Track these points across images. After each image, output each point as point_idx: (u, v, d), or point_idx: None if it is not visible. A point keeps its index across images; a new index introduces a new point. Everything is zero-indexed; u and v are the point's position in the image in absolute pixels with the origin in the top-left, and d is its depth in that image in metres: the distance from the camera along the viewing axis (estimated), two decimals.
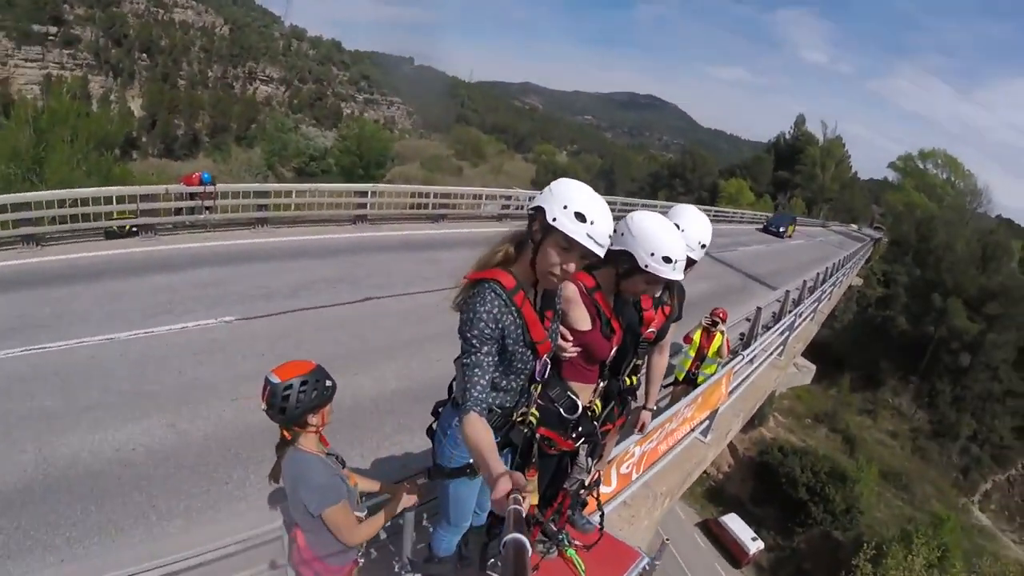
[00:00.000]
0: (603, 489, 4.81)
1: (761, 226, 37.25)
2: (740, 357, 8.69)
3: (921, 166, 63.30)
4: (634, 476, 5.78)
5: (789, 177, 65.20)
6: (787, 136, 68.90)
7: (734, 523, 29.52)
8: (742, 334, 11.42)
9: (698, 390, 6.78)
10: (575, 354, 2.42)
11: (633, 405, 3.12)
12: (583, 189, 2.06)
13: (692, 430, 7.48)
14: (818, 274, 19.38)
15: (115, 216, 10.04)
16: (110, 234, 10.04)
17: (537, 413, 2.34)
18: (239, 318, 7.86)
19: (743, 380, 9.55)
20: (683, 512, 28.97)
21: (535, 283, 2.15)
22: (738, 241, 27.44)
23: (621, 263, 2.53)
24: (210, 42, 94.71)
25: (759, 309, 11.11)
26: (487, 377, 2.05)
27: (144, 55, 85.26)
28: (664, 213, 2.86)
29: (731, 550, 28.71)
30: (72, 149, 13.97)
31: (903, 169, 65.58)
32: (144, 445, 5.27)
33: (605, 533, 3.21)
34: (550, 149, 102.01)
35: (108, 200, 9.90)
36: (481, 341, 2.04)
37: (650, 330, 2.89)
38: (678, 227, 2.69)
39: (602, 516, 3.05)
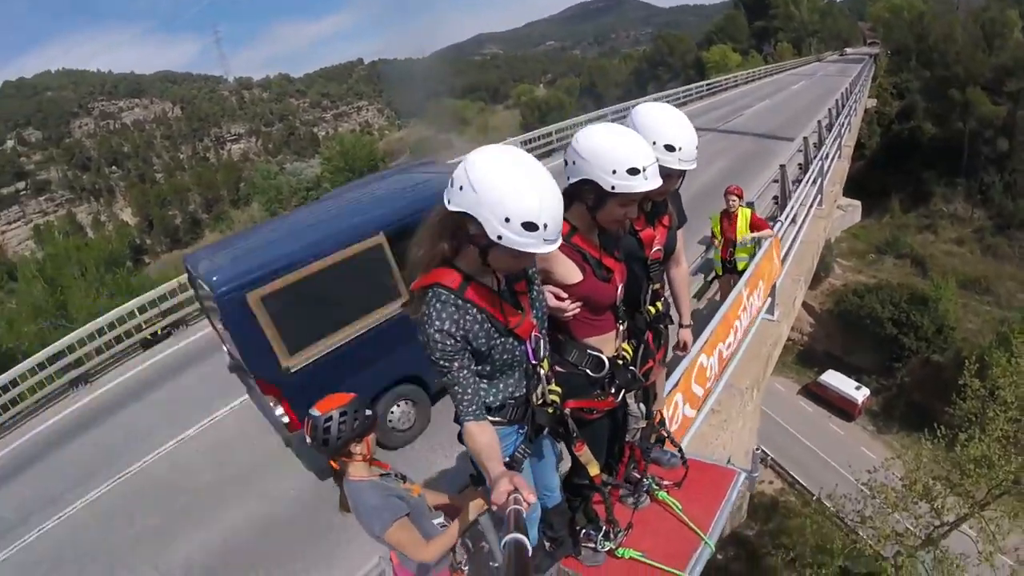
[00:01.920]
0: (687, 411, 4.68)
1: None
2: (779, 222, 8.34)
3: None
4: (709, 384, 5.58)
5: (766, 25, 63.17)
6: None
7: (834, 379, 29.40)
8: (775, 197, 10.98)
9: (746, 274, 6.46)
10: (577, 310, 2.19)
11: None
12: (516, 179, 1.69)
13: (757, 313, 7.22)
14: (830, 110, 18.52)
15: (144, 325, 10.17)
16: (147, 344, 10.21)
17: (559, 388, 2.15)
18: None
19: (791, 244, 9.18)
20: (781, 385, 28.88)
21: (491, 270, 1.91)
22: (739, 106, 26.49)
23: (586, 195, 2.17)
24: (168, 128, 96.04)
25: (783, 167, 10.63)
26: (471, 388, 1.92)
27: (114, 167, 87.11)
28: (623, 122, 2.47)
29: (839, 406, 28.69)
30: (86, 281, 14.26)
31: None
32: (247, 526, 5.40)
33: (692, 461, 3.08)
34: (526, 88, 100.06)
35: (132, 315, 10.04)
36: (448, 360, 1.87)
37: (655, 249, 2.62)
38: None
39: (680, 449, 2.88)
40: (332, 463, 2.42)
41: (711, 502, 3.12)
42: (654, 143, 2.29)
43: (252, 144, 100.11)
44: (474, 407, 1.91)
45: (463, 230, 1.80)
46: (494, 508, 1.56)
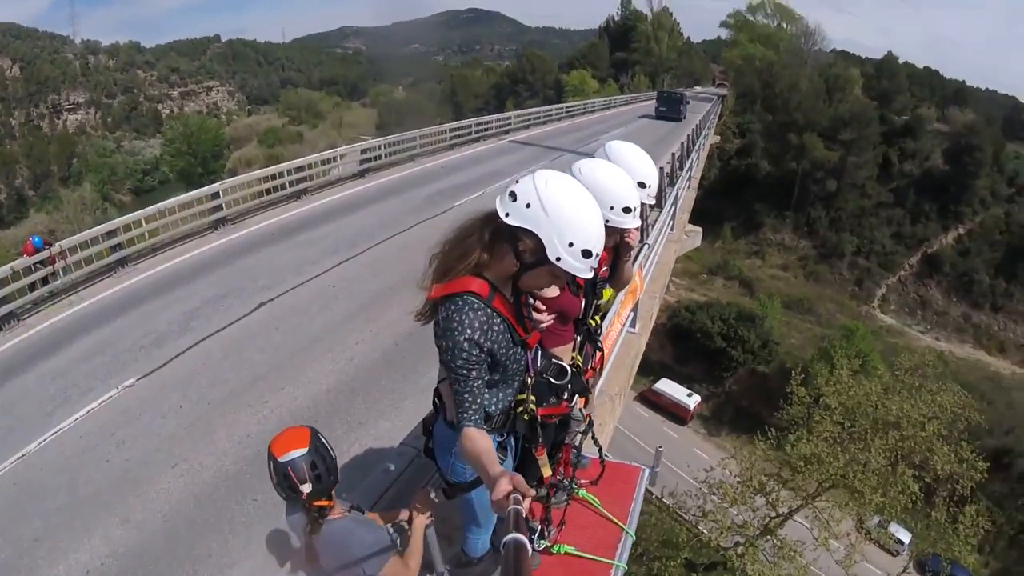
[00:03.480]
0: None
1: (652, 115, 35.22)
2: (645, 246, 9.07)
3: (752, 18, 66.17)
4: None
5: (626, 56, 67.01)
6: (615, 17, 70.78)
7: (668, 387, 32.11)
8: (646, 207, 11.77)
9: (619, 296, 6.95)
10: (551, 321, 2.33)
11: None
12: (585, 208, 1.83)
13: (622, 327, 7.80)
14: (682, 143, 20.22)
15: None
16: None
17: (534, 397, 2.27)
18: (140, 377, 7.17)
19: (650, 265, 9.96)
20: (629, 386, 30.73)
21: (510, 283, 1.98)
22: (596, 131, 27.64)
23: None
24: (3, 89, 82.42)
25: None
26: (480, 398, 1.96)
27: None
28: (595, 156, 2.75)
29: (673, 411, 31.43)
30: None
31: (735, 25, 68.11)
32: (110, 555, 4.79)
33: (606, 461, 3.30)
34: (386, 88, 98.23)
35: None
36: (468, 368, 1.90)
37: (603, 269, 2.84)
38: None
39: (600, 449, 3.10)
40: (322, 503, 2.21)
41: (624, 496, 3.45)
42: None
43: (91, 116, 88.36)
44: (477, 416, 1.93)
45: (511, 243, 1.85)
46: (495, 509, 1.59)
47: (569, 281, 2.41)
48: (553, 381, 2.39)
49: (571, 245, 1.79)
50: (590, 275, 1.88)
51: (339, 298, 9.12)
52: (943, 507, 13.22)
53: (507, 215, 1.83)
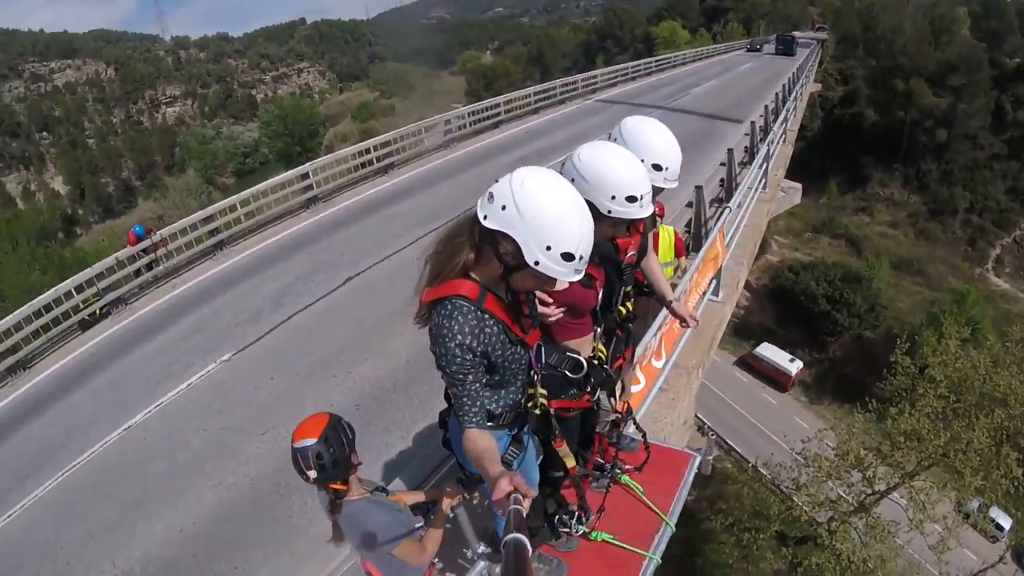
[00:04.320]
0: (634, 389, 4.84)
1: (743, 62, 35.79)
2: (727, 208, 8.58)
3: None
4: (661, 363, 5.79)
5: (718, 3, 63.43)
6: None
7: (768, 351, 30.64)
8: (721, 180, 11.24)
9: (697, 258, 6.65)
10: (561, 315, 2.25)
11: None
12: (563, 208, 1.73)
13: (703, 295, 7.47)
14: (777, 94, 18.97)
15: (82, 306, 9.57)
16: (85, 324, 9.61)
17: (544, 391, 2.22)
18: (235, 352, 7.75)
19: (736, 228, 9.44)
20: (717, 356, 29.80)
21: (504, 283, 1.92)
22: (687, 84, 26.52)
23: None
24: (101, 91, 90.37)
25: (730, 151, 10.87)
26: (480, 400, 1.94)
27: (44, 133, 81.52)
28: (608, 137, 2.56)
29: (773, 377, 29.99)
30: (18, 256, 13.31)
31: None
32: (203, 515, 5.29)
33: (652, 445, 3.21)
34: (473, 55, 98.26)
35: (69, 295, 9.40)
36: (464, 373, 1.88)
37: (630, 254, 2.71)
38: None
39: (644, 435, 3.00)
40: (336, 487, 2.36)
41: (670, 484, 3.30)
42: (642, 160, 2.35)
43: (188, 107, 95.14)
44: (478, 417, 1.93)
45: (492, 246, 1.80)
46: (495, 510, 1.58)
47: None
48: (569, 375, 2.33)
49: (549, 248, 1.69)
50: (577, 277, 1.77)
51: (418, 272, 9.32)
52: None
53: (485, 217, 1.76)
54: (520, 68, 72.92)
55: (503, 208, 1.71)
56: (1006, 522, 19.15)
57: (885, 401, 13.17)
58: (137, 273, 10.36)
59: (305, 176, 13.28)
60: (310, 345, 7.71)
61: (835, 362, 31.28)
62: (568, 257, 1.71)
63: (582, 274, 1.77)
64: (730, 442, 24.45)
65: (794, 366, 29.84)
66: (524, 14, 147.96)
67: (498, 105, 19.16)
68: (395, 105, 74.28)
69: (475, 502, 3.51)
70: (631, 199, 2.21)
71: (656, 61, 32.73)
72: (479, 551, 2.45)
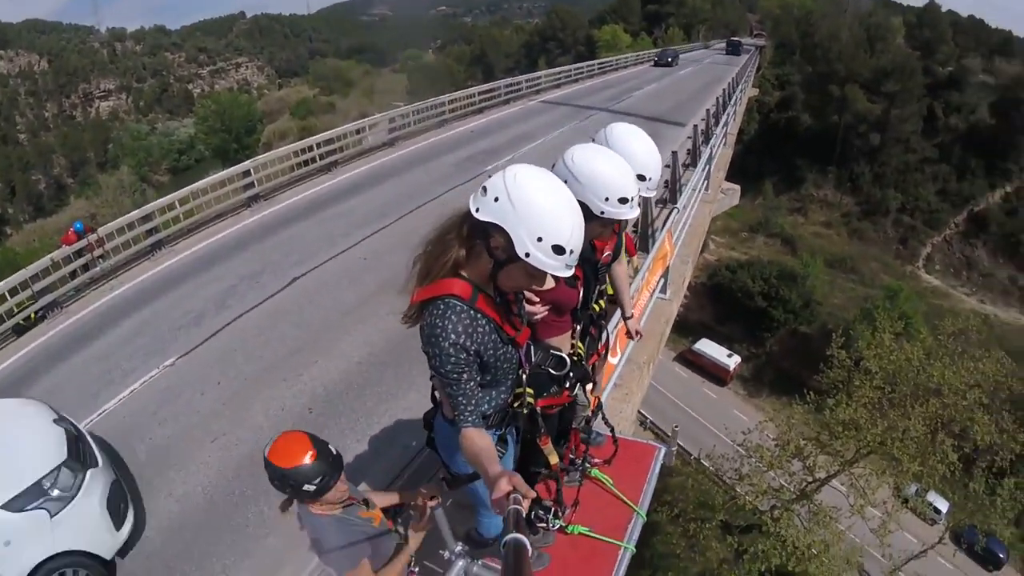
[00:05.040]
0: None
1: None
2: (674, 209, 8.84)
3: None
4: (615, 360, 5.92)
5: (659, 8, 64.89)
6: None
7: (707, 347, 31.71)
8: (666, 181, 11.51)
9: (649, 258, 6.85)
10: (546, 313, 2.28)
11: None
12: (555, 204, 1.74)
13: (652, 293, 7.68)
14: (718, 98, 19.54)
15: (16, 310, 8.98)
16: (20, 330, 9.02)
17: (531, 390, 2.24)
18: (179, 356, 7.43)
19: (681, 228, 9.72)
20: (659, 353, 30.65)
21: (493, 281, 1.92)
22: (629, 87, 27.06)
23: None
24: (34, 83, 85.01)
25: (675, 153, 11.10)
26: (475, 399, 1.93)
27: None
28: (593, 141, 2.62)
29: (713, 372, 31.09)
30: None
31: None
32: (154, 527, 5.04)
33: (620, 439, 3.27)
34: (415, 53, 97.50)
35: (1, 299, 8.77)
36: (458, 372, 1.87)
37: (606, 254, 2.79)
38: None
39: (612, 429, 3.07)
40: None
41: (638, 476, 3.43)
42: None
43: (122, 101, 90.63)
44: (474, 416, 1.91)
45: (483, 240, 1.80)
46: (495, 510, 1.59)
47: None
48: (553, 372, 2.37)
49: (540, 240, 1.71)
50: (567, 273, 1.79)
51: (369, 270, 9.20)
52: (982, 478, 12.87)
53: (477, 210, 1.77)
54: (463, 68, 72.78)
55: (496, 200, 1.73)
56: (943, 505, 20.35)
57: (822, 393, 13.80)
58: (73, 275, 9.81)
59: (247, 173, 12.90)
60: (257, 348, 7.47)
61: (772, 356, 32.62)
62: (559, 250, 1.72)
63: (572, 270, 1.79)
64: (678, 430, 25.02)
65: (732, 361, 31.01)
66: (467, 13, 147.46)
67: (443, 104, 19.10)
68: (335, 103, 72.73)
69: (449, 502, 3.50)
70: (623, 200, 2.28)
71: (599, 64, 33.33)
72: (456, 550, 2.44)
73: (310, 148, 14.56)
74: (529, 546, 1.35)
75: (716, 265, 36.58)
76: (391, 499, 2.75)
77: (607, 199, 2.27)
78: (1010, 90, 42.89)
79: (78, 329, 8.76)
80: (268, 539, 4.67)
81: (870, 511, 12.48)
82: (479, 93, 21.41)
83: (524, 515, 1.50)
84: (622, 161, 2.34)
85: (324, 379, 6.69)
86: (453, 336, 1.83)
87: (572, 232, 1.74)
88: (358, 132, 16.13)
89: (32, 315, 9.13)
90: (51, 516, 4.12)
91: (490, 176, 1.80)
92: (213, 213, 12.35)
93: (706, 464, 16.11)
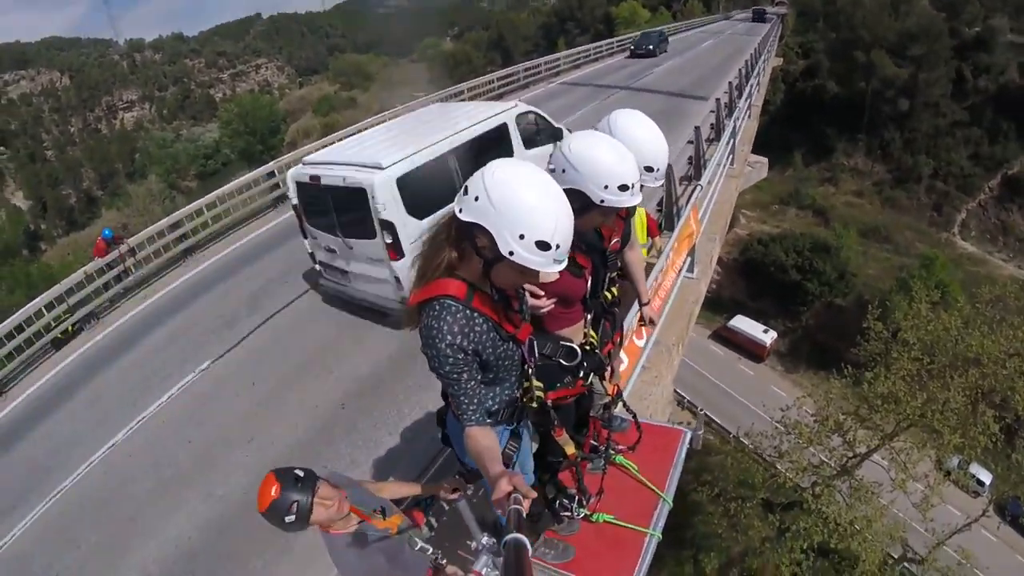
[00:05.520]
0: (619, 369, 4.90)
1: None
2: (697, 186, 8.68)
3: None
4: (642, 342, 5.86)
5: None
6: None
7: (742, 323, 31.18)
8: (690, 158, 11.32)
9: (672, 237, 6.73)
10: (552, 306, 2.27)
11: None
12: (536, 200, 1.70)
13: (679, 272, 7.57)
14: (740, 70, 19.09)
15: (53, 324, 9.30)
16: (58, 343, 9.34)
17: (540, 383, 2.23)
18: (213, 360, 7.62)
19: (707, 204, 9.55)
20: (692, 331, 30.20)
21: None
22: (650, 63, 26.49)
23: (572, 203, 2.28)
24: (57, 100, 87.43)
25: (697, 128, 10.90)
26: (477, 397, 1.93)
27: (1, 148, 78.62)
28: (596, 127, 2.56)
29: (749, 348, 30.55)
30: None
31: None
32: (196, 527, 5.21)
33: (643, 424, 3.25)
34: (433, 42, 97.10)
35: (39, 314, 9.13)
36: (457, 372, 1.87)
37: (614, 241, 2.74)
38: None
39: (634, 415, 3.04)
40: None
41: (663, 462, 3.39)
42: None
43: (146, 111, 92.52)
44: (478, 414, 1.92)
45: (471, 241, 1.78)
46: (496, 509, 1.59)
47: (569, 263, 2.34)
48: (564, 363, 2.35)
49: (522, 238, 1.68)
50: (555, 268, 1.75)
51: None
52: None
53: (460, 211, 1.76)
54: (482, 53, 72.29)
55: (476, 199, 1.71)
56: (986, 477, 19.91)
57: (860, 366, 13.48)
58: (107, 286, 10.11)
59: (271, 175, 13.06)
60: (289, 347, 7.61)
61: (808, 330, 31.92)
62: (543, 246, 1.69)
63: (563, 264, 1.76)
64: (710, 414, 24.86)
65: (768, 336, 30.44)
66: None
67: (462, 92, 19.04)
68: (356, 97, 73.04)
69: (481, 493, 3.52)
70: (623, 188, 2.23)
71: (618, 41, 32.51)
72: (483, 542, 2.46)
73: (333, 144, 14.64)
74: (529, 546, 1.36)
75: (748, 240, 35.82)
76: (413, 490, 2.78)
77: (606, 187, 2.22)
78: None
79: (115, 339, 9.04)
80: (306, 534, 4.74)
81: (912, 485, 12.17)
82: (498, 79, 21.26)
83: (524, 515, 1.51)
84: (621, 147, 2.28)
85: (356, 375, 6.78)
86: (449, 337, 1.83)
87: (556, 226, 1.70)
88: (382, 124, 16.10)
89: (70, 328, 9.43)
90: None
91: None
92: (241, 216, 12.56)
93: (745, 442, 15.87)
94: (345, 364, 6.99)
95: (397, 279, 6.65)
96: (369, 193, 6.32)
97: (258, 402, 6.62)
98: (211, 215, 11.81)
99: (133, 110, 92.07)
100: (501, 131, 7.95)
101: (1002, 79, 42.00)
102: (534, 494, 1.60)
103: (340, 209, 6.92)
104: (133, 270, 10.51)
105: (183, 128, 79.47)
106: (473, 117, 7.86)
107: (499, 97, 20.20)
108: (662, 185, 8.62)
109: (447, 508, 2.67)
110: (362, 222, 6.56)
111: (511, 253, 1.69)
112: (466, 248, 1.83)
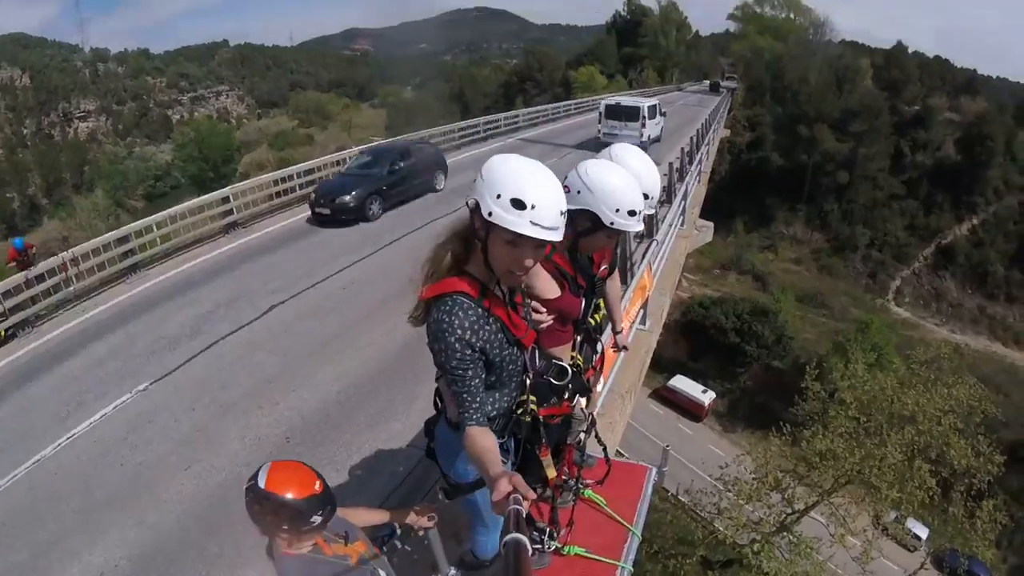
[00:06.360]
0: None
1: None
2: (654, 242, 9.02)
3: (759, 10, 65.95)
4: (599, 387, 5.94)
5: (634, 51, 66.67)
6: (622, 13, 70.31)
7: (682, 383, 31.81)
8: (648, 216, 11.68)
9: (631, 287, 6.95)
10: (551, 322, 2.33)
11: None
12: (516, 166, 1.82)
13: (631, 324, 7.76)
14: (691, 138, 20.06)
15: None
16: None
17: (534, 397, 2.26)
18: (152, 381, 7.24)
19: (660, 262, 9.89)
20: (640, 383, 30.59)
21: (497, 279, 1.96)
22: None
23: (580, 223, 2.42)
24: (14, 98, 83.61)
25: None
26: (480, 397, 1.93)
27: None
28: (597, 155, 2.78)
29: (688, 408, 31.11)
30: None
31: (743, 18, 68.29)
32: (124, 556, 4.85)
33: (612, 460, 3.28)
34: (394, 89, 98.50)
35: None
36: (464, 368, 1.89)
37: (603, 268, 2.86)
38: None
39: (605, 448, 3.08)
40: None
41: (631, 496, 3.44)
42: None
43: (101, 123, 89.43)
44: (479, 415, 1.91)
45: (471, 228, 1.88)
46: (495, 510, 1.58)
47: (570, 282, 2.44)
48: (554, 382, 2.37)
49: (499, 197, 1.76)
50: (533, 232, 1.76)
51: (349, 300, 9.17)
52: (960, 502, 13.08)
53: (467, 202, 1.88)
54: (441, 105, 73.55)
55: (474, 183, 1.85)
56: (923, 532, 20.70)
57: (798, 425, 13.91)
58: (45, 294, 9.56)
59: (226, 200, 12.82)
60: (234, 375, 7.33)
61: (746, 391, 32.88)
62: (518, 204, 1.74)
63: (544, 232, 1.78)
64: (669, 449, 24.89)
65: (707, 397, 31.16)
66: (447, 52, 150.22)
67: (423, 139, 19.21)
68: (314, 135, 72.94)
69: (456, 510, 3.44)
70: (631, 213, 2.39)
71: (576, 104, 33.92)
72: (450, 573, 2.41)
73: (290, 177, 14.58)
74: (530, 547, 1.36)
75: (689, 302, 36.97)
76: (381, 517, 2.69)
77: (617, 210, 2.37)
78: (974, 126, 45.13)
79: (49, 350, 8.51)
80: (244, 570, 4.51)
81: (850, 540, 12.50)
82: (458, 129, 21.75)
83: (525, 515, 1.50)
84: (631, 177, 2.44)
85: (302, 408, 6.57)
86: (459, 331, 1.85)
87: (533, 187, 1.77)
88: (337, 163, 16.10)
89: (1, 333, 8.88)
90: None
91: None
92: (190, 238, 12.20)
93: (684, 500, 15.99)
94: (292, 397, 6.77)
95: (640, 135, 18.96)
96: (640, 110, 19.92)
97: (198, 429, 6.30)
98: (160, 233, 11.43)
99: (88, 120, 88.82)
100: (653, 106, 20.88)
101: (938, 154, 45.88)
102: (534, 495, 1.60)
103: (625, 114, 20.25)
104: (75, 280, 10.01)
105: (136, 146, 77.48)
106: (650, 99, 21.51)
107: (458, 148, 20.68)
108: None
109: (416, 535, 2.59)
110: (633, 115, 19.97)
111: (490, 214, 1.77)
112: (468, 241, 1.92)
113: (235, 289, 9.77)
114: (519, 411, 2.23)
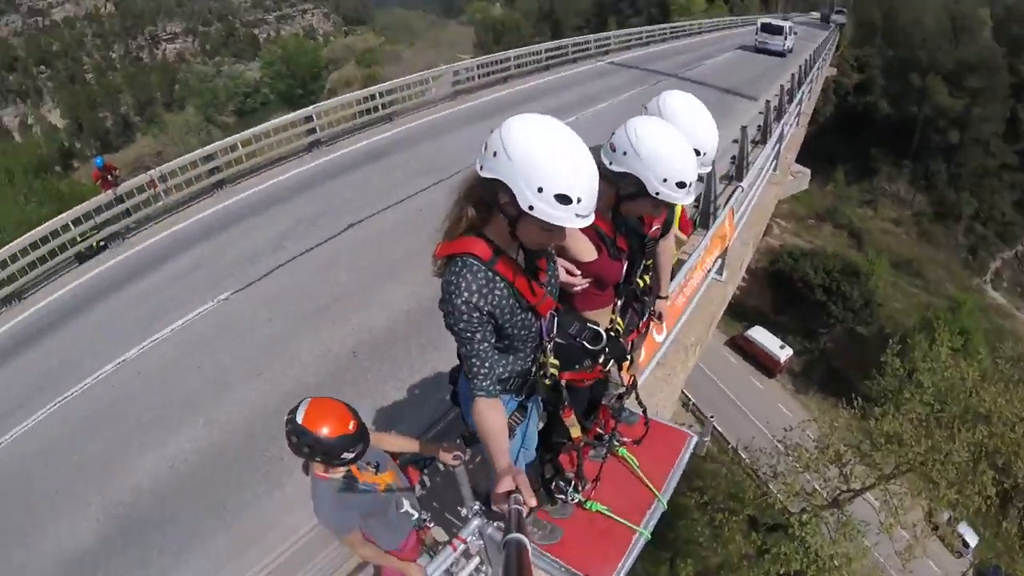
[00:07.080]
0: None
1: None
2: (739, 187, 8.49)
3: None
4: (660, 338, 5.78)
5: None
6: None
7: (760, 335, 30.55)
8: (733, 157, 11.07)
9: (708, 235, 6.59)
10: (586, 285, 2.20)
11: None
12: (550, 147, 1.63)
13: (706, 273, 7.43)
14: (793, 75, 18.61)
15: (79, 239, 9.45)
16: (82, 257, 9.50)
17: (556, 361, 2.17)
18: (233, 291, 7.68)
19: (745, 208, 9.35)
20: (709, 335, 29.95)
21: (518, 244, 1.85)
22: (702, 55, 25.80)
23: (624, 186, 2.24)
24: (100, 26, 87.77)
25: (744, 129, 10.62)
26: (489, 361, 1.90)
27: (42, 67, 79.46)
28: (646, 110, 2.48)
29: (762, 361, 30.01)
30: (14, 188, 13.01)
31: None
32: (194, 451, 5.30)
33: (652, 421, 3.18)
34: (483, 6, 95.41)
35: (66, 228, 9.26)
36: (471, 331, 1.85)
37: (655, 228, 2.66)
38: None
39: (644, 410, 2.98)
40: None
41: (665, 462, 3.33)
42: None
43: (189, 44, 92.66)
44: (488, 382, 1.89)
45: (493, 198, 1.73)
46: (495, 505, 1.57)
47: (609, 245, 2.32)
48: (588, 346, 2.26)
49: (540, 191, 1.62)
50: (580, 223, 1.68)
51: (426, 222, 9.18)
52: (1016, 519, 12.31)
53: (481, 167, 1.71)
54: (531, 24, 70.89)
55: (495, 155, 1.66)
56: (972, 539, 19.43)
57: (870, 400, 13.13)
58: (136, 208, 10.21)
59: (309, 119, 13.00)
60: (309, 289, 7.65)
61: (825, 354, 31.44)
62: (563, 199, 1.62)
63: (587, 220, 1.69)
64: (713, 422, 24.62)
65: (784, 353, 29.89)
66: None
67: (508, 59, 18.56)
68: (400, 52, 72.50)
69: (479, 460, 3.51)
70: (680, 185, 2.17)
71: (671, 28, 31.78)
72: (474, 509, 2.44)
73: (372, 97, 14.46)
74: (529, 546, 1.35)
75: (779, 251, 35.03)
76: (412, 446, 2.77)
77: (665, 180, 2.16)
78: None
79: (138, 261, 9.16)
80: (299, 474, 4.78)
81: (899, 532, 11.93)
82: (546, 50, 20.79)
83: (524, 516, 1.51)
84: (687, 144, 2.20)
85: (371, 325, 6.79)
86: (466, 294, 1.80)
87: (577, 178, 1.63)
88: (421, 84, 15.96)
89: (95, 244, 9.58)
90: None
91: None
92: (275, 156, 12.55)
93: (743, 455, 15.73)
94: (362, 314, 7.00)
95: (783, 45, 27.41)
96: (784, 28, 27.69)
97: (272, 339, 6.68)
98: (245, 151, 11.82)
99: (176, 42, 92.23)
100: (791, 26, 28.92)
101: None
102: (534, 502, 1.59)
103: (773, 31, 28.09)
104: (163, 196, 10.59)
105: (224, 64, 79.76)
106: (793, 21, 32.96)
107: (546, 69, 19.93)
108: (702, 180, 8.42)
109: (442, 470, 2.65)
110: (779, 32, 27.70)
111: (531, 208, 1.63)
112: (488, 207, 1.79)
113: (316, 207, 10.05)
114: (540, 372, 2.16)
